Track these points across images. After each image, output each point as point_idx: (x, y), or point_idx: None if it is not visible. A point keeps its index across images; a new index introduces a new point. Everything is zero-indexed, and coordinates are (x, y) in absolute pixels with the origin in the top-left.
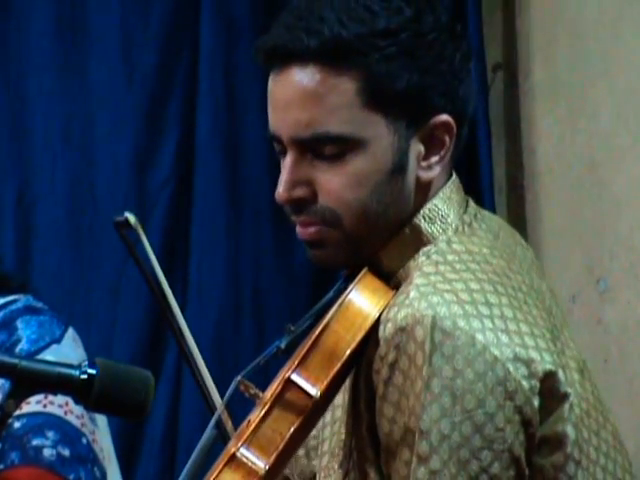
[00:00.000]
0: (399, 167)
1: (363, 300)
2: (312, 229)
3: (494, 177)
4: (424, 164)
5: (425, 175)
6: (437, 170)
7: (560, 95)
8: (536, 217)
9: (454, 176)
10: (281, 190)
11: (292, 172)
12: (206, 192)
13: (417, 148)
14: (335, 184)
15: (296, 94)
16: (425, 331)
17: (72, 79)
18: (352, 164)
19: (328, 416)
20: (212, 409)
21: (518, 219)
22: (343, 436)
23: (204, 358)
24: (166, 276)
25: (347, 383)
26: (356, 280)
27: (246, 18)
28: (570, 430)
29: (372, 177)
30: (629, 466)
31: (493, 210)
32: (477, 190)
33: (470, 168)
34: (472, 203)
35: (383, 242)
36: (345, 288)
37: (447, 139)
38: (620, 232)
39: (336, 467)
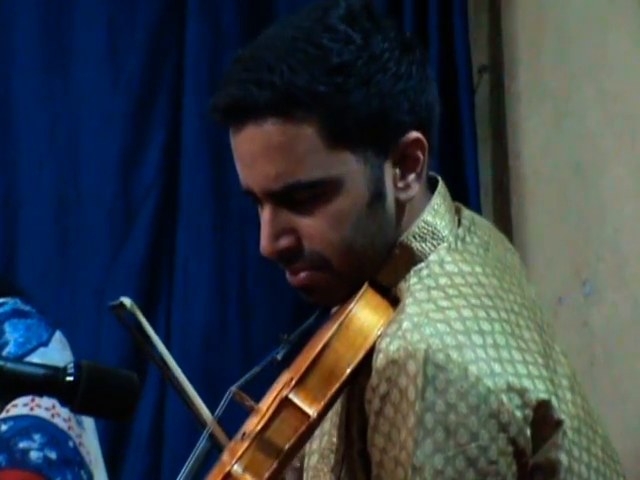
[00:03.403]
0: (377, 196)
1: (364, 318)
2: (302, 275)
3: (480, 179)
4: (401, 185)
5: (404, 195)
6: (416, 187)
7: (546, 97)
8: (522, 219)
9: (439, 185)
10: (265, 244)
11: (272, 224)
12: (192, 194)
13: (391, 171)
14: (317, 227)
15: (260, 149)
16: (417, 365)
17: (58, 81)
18: (329, 205)
19: None
20: (203, 424)
21: (504, 221)
22: (335, 439)
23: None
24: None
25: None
26: (357, 297)
27: (232, 21)
28: (563, 457)
29: (352, 213)
30: (617, 478)
31: (479, 213)
32: (463, 192)
33: (456, 170)
34: (465, 211)
35: (377, 268)
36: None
37: (420, 155)
38: (606, 234)
39: (326, 470)
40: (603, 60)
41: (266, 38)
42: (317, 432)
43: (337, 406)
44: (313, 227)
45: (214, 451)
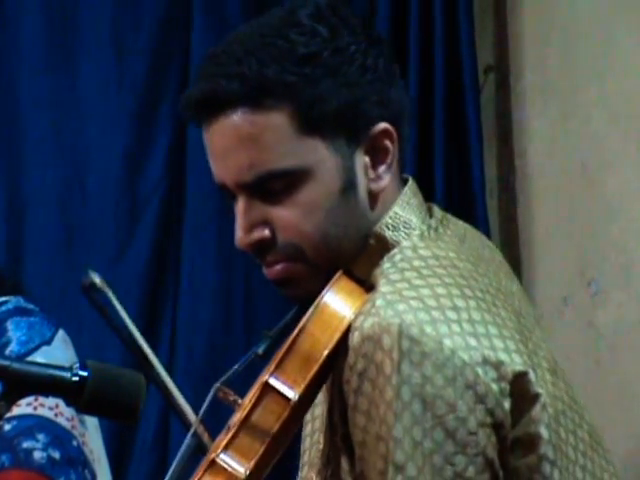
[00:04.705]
0: (349, 185)
1: (338, 302)
2: (278, 267)
3: (485, 179)
4: (372, 175)
5: (376, 186)
6: (387, 178)
7: (551, 97)
8: (527, 219)
9: (410, 181)
10: (239, 236)
11: (246, 216)
12: (197, 195)
13: (362, 161)
14: (290, 218)
15: (231, 140)
16: (392, 339)
17: (63, 80)
18: (302, 194)
19: (308, 428)
20: (187, 423)
21: (510, 221)
22: (321, 446)
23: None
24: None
25: (325, 395)
26: (331, 282)
27: (238, 21)
28: (543, 430)
29: (324, 202)
30: (606, 464)
31: (485, 212)
32: (469, 192)
33: (461, 170)
34: (436, 207)
35: (352, 258)
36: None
37: (390, 146)
38: (611, 234)
39: (314, 477)
40: (609, 60)
41: (236, 36)
42: (307, 444)
43: (323, 413)
44: (286, 217)
45: (201, 450)
